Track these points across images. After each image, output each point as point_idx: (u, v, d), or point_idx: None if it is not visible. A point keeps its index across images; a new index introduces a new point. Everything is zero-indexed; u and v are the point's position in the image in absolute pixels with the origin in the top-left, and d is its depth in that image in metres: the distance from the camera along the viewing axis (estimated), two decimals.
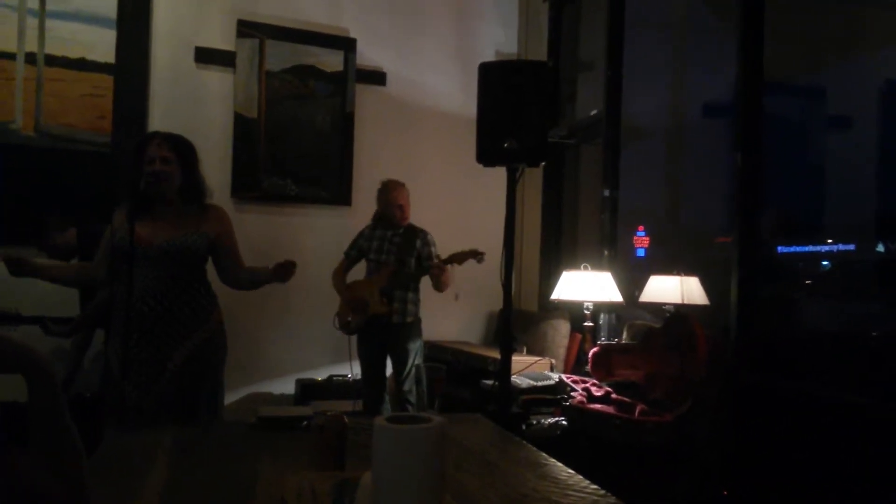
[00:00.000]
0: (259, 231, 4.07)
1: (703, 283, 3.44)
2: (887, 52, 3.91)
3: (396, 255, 3.47)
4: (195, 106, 4.07)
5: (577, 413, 2.86)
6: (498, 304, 3.19)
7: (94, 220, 3.04)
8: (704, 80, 4.37)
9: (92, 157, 3.87)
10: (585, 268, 3.47)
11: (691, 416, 2.63)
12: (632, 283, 3.71)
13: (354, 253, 3.61)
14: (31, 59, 3.79)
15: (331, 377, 4.03)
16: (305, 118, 4.26)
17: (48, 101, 3.82)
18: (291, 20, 4.25)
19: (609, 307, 3.66)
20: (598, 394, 2.95)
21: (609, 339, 3.67)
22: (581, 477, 1.44)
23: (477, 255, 3.34)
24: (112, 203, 2.53)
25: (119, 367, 2.24)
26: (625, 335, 3.55)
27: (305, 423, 1.77)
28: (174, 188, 2.40)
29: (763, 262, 3.24)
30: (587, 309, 3.44)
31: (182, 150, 2.44)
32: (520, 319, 4.14)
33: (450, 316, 4.38)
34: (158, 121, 3.91)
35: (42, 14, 3.81)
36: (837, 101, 4.28)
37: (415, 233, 3.54)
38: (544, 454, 1.62)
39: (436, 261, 3.49)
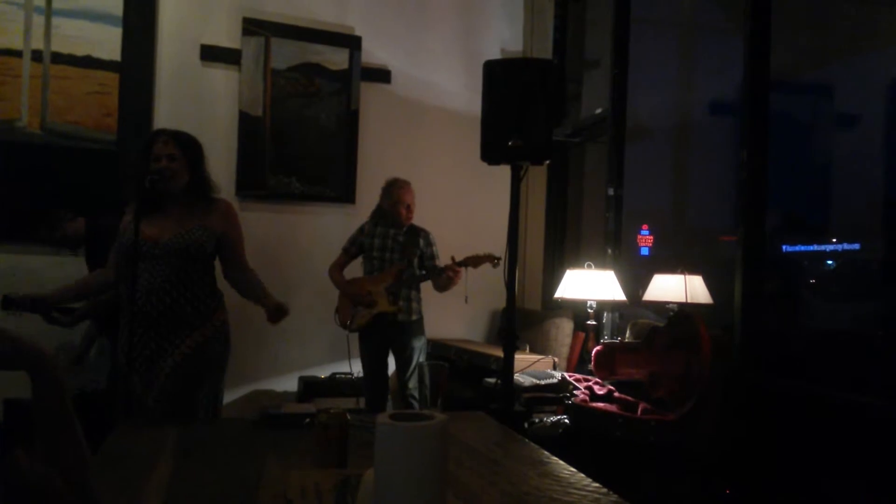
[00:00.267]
0: (264, 229, 4.08)
1: (707, 281, 3.43)
2: (895, 50, 3.88)
3: (402, 254, 3.47)
4: (200, 104, 4.07)
5: (580, 412, 2.86)
6: (501, 303, 3.19)
7: (102, 213, 3.06)
8: (710, 78, 4.36)
9: (98, 154, 3.89)
10: (589, 266, 3.47)
11: (694, 415, 2.62)
12: (635, 281, 3.70)
13: (355, 249, 3.60)
14: (37, 56, 3.80)
15: (334, 375, 4.04)
16: (310, 116, 4.26)
17: (54, 98, 3.83)
18: (297, 18, 4.26)
19: (612, 306, 3.66)
20: (601, 392, 2.95)
21: (612, 338, 3.67)
22: (583, 475, 1.44)
23: (493, 259, 3.31)
24: (118, 200, 2.54)
25: (125, 362, 2.25)
26: (628, 334, 3.54)
27: (308, 420, 1.77)
28: (180, 185, 2.41)
29: (768, 260, 3.22)
30: (591, 307, 3.44)
31: (188, 147, 2.45)
32: (523, 318, 4.14)
33: (453, 314, 4.38)
34: (164, 118, 3.92)
35: (48, 12, 3.82)
36: (845, 99, 4.25)
37: (417, 232, 3.54)
38: (547, 452, 1.63)
39: (437, 261, 3.49)
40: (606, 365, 3.08)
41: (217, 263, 2.55)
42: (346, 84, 4.33)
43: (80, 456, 0.92)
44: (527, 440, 1.76)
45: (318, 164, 4.28)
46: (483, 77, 2.78)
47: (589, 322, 3.47)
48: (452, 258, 3.35)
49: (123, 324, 2.36)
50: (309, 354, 4.17)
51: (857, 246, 3.67)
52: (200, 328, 2.39)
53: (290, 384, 4.11)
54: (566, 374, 3.31)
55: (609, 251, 3.82)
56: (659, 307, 3.54)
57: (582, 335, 3.81)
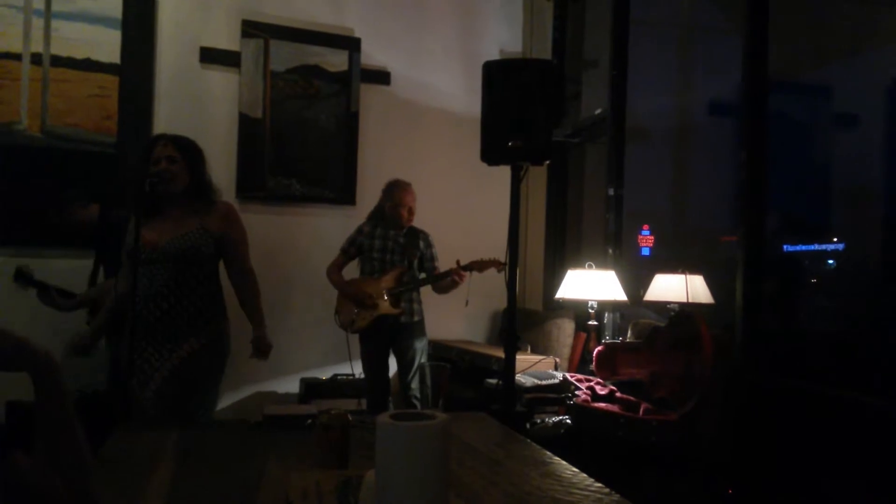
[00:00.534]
0: (264, 231, 4.07)
1: (708, 281, 3.43)
2: (894, 50, 3.88)
3: (402, 255, 3.47)
4: (200, 106, 4.07)
5: (582, 412, 2.86)
6: (502, 303, 3.19)
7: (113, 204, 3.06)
8: (709, 78, 4.36)
9: (97, 157, 3.88)
10: (590, 266, 3.47)
11: (696, 415, 2.62)
12: (636, 281, 3.70)
13: (353, 250, 3.60)
14: (36, 59, 3.80)
15: (335, 376, 4.04)
16: (310, 118, 4.26)
17: (54, 101, 3.83)
18: (296, 20, 4.26)
19: (614, 306, 3.66)
20: (603, 392, 2.94)
21: (614, 338, 3.67)
22: (585, 475, 1.44)
23: (499, 265, 3.29)
24: (117, 202, 2.55)
25: (125, 366, 2.25)
26: (629, 334, 3.54)
27: (310, 421, 1.77)
28: (180, 188, 2.41)
29: (769, 260, 3.22)
30: (592, 308, 3.44)
31: (187, 150, 2.45)
32: (524, 318, 4.14)
33: (454, 315, 4.37)
34: (164, 121, 3.92)
35: (48, 14, 3.82)
36: (844, 100, 4.25)
37: (417, 233, 3.54)
38: (548, 452, 1.63)
39: (437, 262, 3.49)
40: (608, 365, 3.08)
41: (222, 269, 2.55)
42: (346, 86, 4.33)
43: (82, 459, 0.91)
44: (528, 440, 1.76)
45: (318, 166, 4.28)
46: (482, 78, 2.78)
47: (590, 322, 3.46)
48: (458, 262, 3.34)
49: (124, 328, 2.36)
50: (310, 356, 4.17)
51: (841, 246, 3.68)
52: (197, 335, 2.39)
53: (291, 386, 4.10)
54: (567, 375, 3.31)
55: (610, 251, 3.82)
56: (660, 307, 3.54)
57: (583, 335, 3.81)
